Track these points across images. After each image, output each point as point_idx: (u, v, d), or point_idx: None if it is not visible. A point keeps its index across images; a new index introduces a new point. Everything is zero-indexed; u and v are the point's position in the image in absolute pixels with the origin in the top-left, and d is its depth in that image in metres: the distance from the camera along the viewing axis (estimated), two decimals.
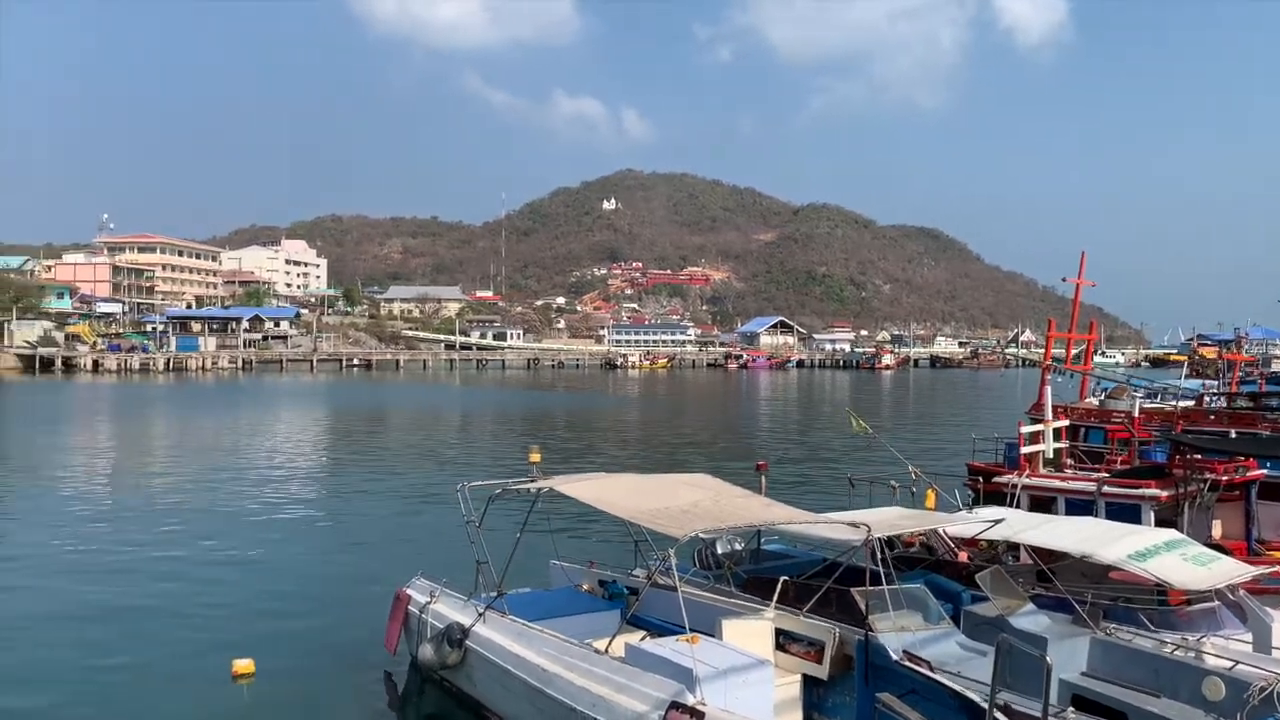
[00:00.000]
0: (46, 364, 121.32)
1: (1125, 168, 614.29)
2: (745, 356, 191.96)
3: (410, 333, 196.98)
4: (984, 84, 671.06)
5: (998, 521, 12.43)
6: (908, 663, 9.31)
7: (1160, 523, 14.91)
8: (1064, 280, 28.60)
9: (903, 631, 9.89)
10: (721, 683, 8.76)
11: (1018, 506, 16.17)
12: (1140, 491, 15.92)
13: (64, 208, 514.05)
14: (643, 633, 10.79)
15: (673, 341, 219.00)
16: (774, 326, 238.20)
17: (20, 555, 20.42)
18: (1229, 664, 9.55)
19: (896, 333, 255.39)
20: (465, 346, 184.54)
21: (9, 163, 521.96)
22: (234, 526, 23.74)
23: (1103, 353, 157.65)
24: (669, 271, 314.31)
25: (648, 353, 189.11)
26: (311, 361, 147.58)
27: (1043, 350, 26.97)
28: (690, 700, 8.54)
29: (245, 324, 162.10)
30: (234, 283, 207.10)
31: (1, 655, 13.95)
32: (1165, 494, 15.73)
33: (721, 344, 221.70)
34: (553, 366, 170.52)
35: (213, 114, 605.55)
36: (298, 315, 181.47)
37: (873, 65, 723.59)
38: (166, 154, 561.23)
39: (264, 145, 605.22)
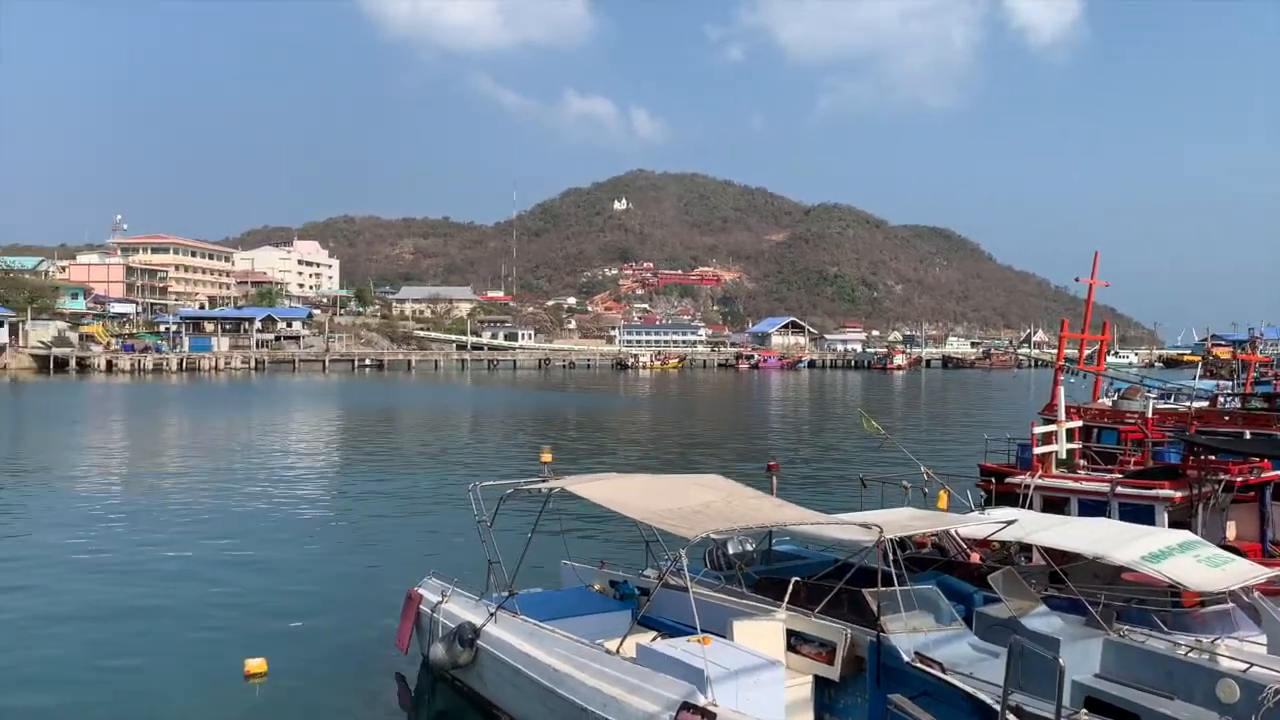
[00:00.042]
0: (61, 364, 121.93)
1: (1139, 167, 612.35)
2: (756, 357, 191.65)
3: (422, 333, 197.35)
4: (996, 84, 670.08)
5: (1010, 522, 12.38)
6: (919, 664, 9.28)
7: (1174, 524, 14.84)
8: (1077, 280, 28.46)
9: (915, 633, 9.85)
10: (733, 683, 8.75)
11: (1030, 507, 16.11)
12: (1154, 492, 15.84)
13: (78, 209, 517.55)
14: (654, 633, 10.79)
15: (684, 342, 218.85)
16: (785, 327, 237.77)
17: (35, 555, 20.53)
18: (1243, 666, 9.50)
19: (908, 333, 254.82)
20: (477, 347, 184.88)
21: (24, 164, 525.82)
22: (246, 526, 23.82)
23: (1116, 353, 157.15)
24: (680, 272, 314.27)
25: (659, 353, 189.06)
26: (324, 362, 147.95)
27: (1055, 351, 26.87)
28: (701, 701, 8.53)
29: (258, 324, 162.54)
30: (247, 283, 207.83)
31: (16, 654, 14.03)
32: (1179, 495, 15.65)
33: (733, 344, 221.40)
34: (564, 367, 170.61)
35: (226, 116, 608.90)
36: (310, 316, 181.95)
37: (884, 65, 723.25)
38: (180, 155, 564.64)
39: (277, 146, 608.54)
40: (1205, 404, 28.13)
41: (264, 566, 19.57)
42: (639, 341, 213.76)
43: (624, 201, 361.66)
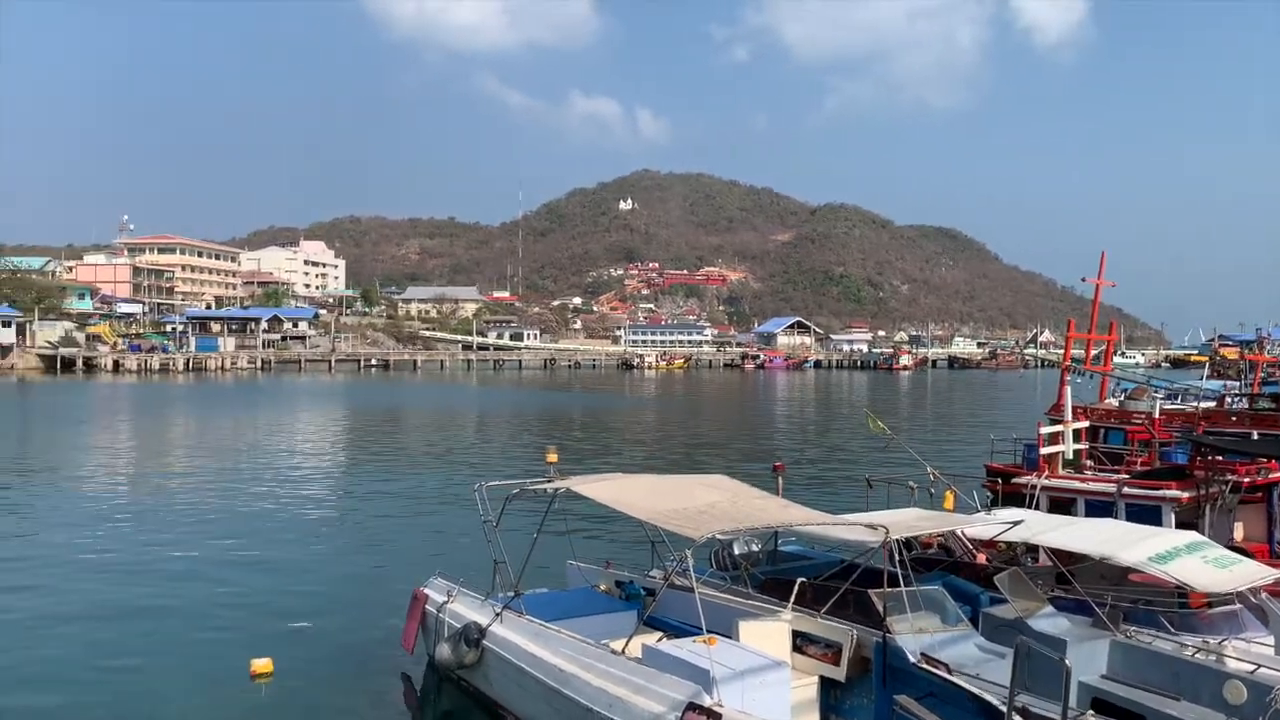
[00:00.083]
0: (68, 364, 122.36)
1: (1145, 167, 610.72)
2: (762, 357, 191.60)
3: (428, 333, 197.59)
4: (1002, 83, 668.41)
5: (1016, 523, 12.35)
6: (926, 665, 9.26)
7: (1181, 524, 14.81)
8: (1083, 280, 28.47)
9: (921, 633, 9.84)
10: (738, 684, 8.74)
11: (1037, 508, 16.09)
12: (1161, 493, 15.81)
13: (85, 209, 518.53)
14: (659, 634, 10.78)
15: (689, 342, 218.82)
16: (791, 327, 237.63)
17: (41, 555, 20.59)
18: (1251, 667, 9.46)
19: (914, 333, 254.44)
20: (482, 347, 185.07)
21: (31, 165, 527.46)
22: (252, 526, 23.86)
23: (1123, 353, 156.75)
24: (685, 272, 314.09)
25: (664, 353, 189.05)
26: (330, 362, 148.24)
27: (1062, 351, 26.86)
28: (707, 701, 8.52)
29: (264, 324, 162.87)
30: (253, 283, 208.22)
31: (23, 653, 14.06)
32: (1186, 495, 15.62)
33: (738, 344, 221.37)
34: (569, 367, 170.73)
35: (232, 116, 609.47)
36: (316, 316, 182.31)
37: (890, 65, 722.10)
38: (186, 156, 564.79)
39: (283, 147, 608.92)
40: (1212, 404, 28.05)
41: (270, 566, 19.60)
42: (644, 341, 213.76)
43: (629, 201, 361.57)
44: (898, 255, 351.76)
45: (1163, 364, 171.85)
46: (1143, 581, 11.52)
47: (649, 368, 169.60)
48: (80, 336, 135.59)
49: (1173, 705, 9.16)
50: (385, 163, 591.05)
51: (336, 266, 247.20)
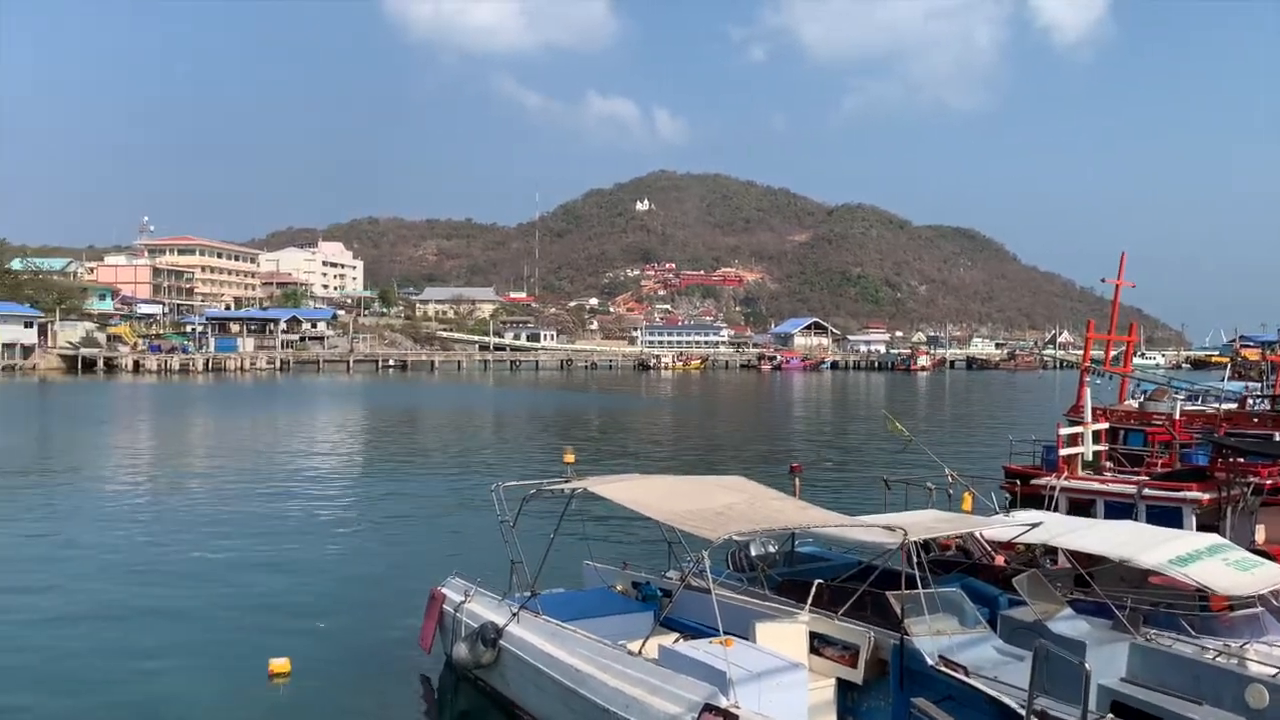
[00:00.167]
0: (89, 364, 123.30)
1: (1165, 165, 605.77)
2: (779, 358, 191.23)
3: (445, 334, 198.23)
4: (1021, 83, 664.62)
5: (1035, 525, 12.29)
6: (944, 668, 9.22)
7: (1202, 527, 14.71)
8: (1103, 281, 28.35)
9: (939, 636, 9.79)
10: (755, 686, 8.73)
11: (1056, 509, 16.01)
12: (1181, 495, 15.70)
13: (105, 211, 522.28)
14: (676, 635, 10.78)
15: (706, 343, 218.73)
16: (808, 328, 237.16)
17: (62, 555, 20.74)
18: (1273, 671, 9.39)
19: (932, 334, 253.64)
20: (499, 347, 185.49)
21: (52, 166, 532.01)
22: (270, 526, 23.97)
23: (1142, 354, 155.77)
24: (702, 272, 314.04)
25: (681, 354, 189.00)
26: (348, 362, 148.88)
27: (1081, 352, 26.71)
28: (724, 703, 8.50)
29: (283, 325, 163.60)
30: (272, 284, 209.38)
31: (41, 653, 14.15)
32: (1207, 497, 15.51)
33: (755, 345, 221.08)
34: (586, 367, 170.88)
35: (251, 118, 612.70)
36: (334, 316, 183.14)
37: (908, 65, 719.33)
38: (205, 157, 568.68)
39: (300, 148, 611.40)
40: (1234, 406, 27.83)
41: (287, 566, 19.68)
42: (661, 342, 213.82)
43: (646, 202, 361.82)
44: (915, 255, 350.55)
45: (1183, 365, 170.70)
46: (1163, 584, 11.44)
47: (665, 368, 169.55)
48: (101, 337, 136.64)
49: (1193, 709, 9.09)
50: (403, 164, 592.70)
51: (354, 267, 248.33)
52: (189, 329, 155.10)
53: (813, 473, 30.84)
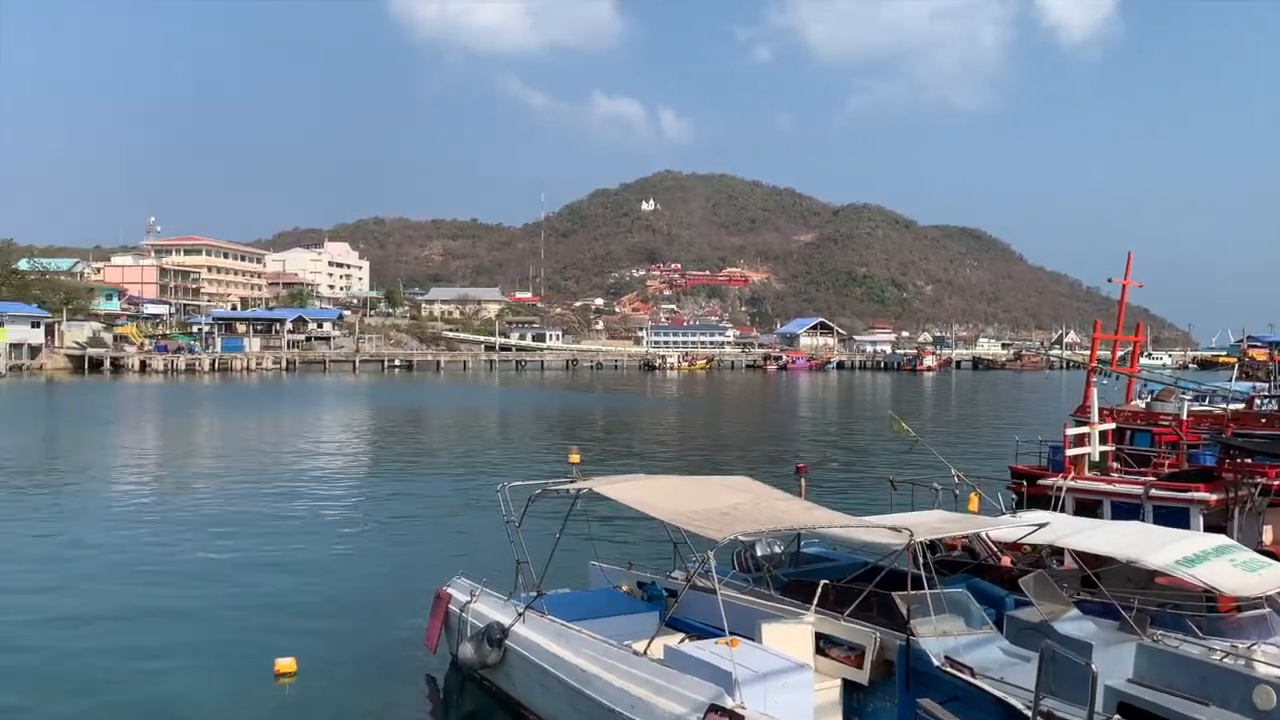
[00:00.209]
0: (95, 364, 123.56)
1: (1176, 165, 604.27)
2: (785, 358, 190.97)
3: (451, 334, 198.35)
4: (1027, 83, 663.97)
5: (1042, 525, 12.27)
6: (950, 668, 9.21)
7: (1209, 527, 14.67)
8: (1110, 281, 28.24)
9: (945, 636, 9.77)
10: (761, 686, 8.72)
11: (1063, 510, 15.99)
12: (1189, 495, 15.66)
13: (112, 211, 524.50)
14: (682, 635, 10.78)
15: (711, 343, 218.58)
16: (814, 328, 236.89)
17: (68, 555, 20.79)
18: None
19: (938, 334, 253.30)
20: (505, 347, 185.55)
21: (59, 166, 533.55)
22: (276, 526, 24.01)
23: (1149, 355, 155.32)
24: (708, 272, 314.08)
25: (686, 354, 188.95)
26: (354, 362, 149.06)
27: (1088, 352, 26.63)
28: (729, 703, 8.50)
29: (289, 325, 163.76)
30: (278, 284, 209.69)
31: (48, 654, 14.18)
32: (1214, 498, 15.46)
33: (760, 345, 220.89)
34: (591, 368, 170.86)
35: (256, 119, 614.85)
36: (340, 317, 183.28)
37: (913, 65, 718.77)
38: (211, 158, 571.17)
39: (306, 149, 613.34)
40: (1241, 406, 27.73)
41: (293, 566, 19.70)
42: (666, 342, 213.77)
43: (652, 202, 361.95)
44: (921, 256, 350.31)
45: (1190, 365, 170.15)
46: (1170, 585, 11.41)
47: (671, 369, 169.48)
48: (108, 337, 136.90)
49: (1201, 710, 9.07)
50: (408, 164, 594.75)
51: (360, 268, 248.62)
52: (195, 329, 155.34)
53: (818, 473, 30.80)
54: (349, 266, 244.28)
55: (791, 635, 10.30)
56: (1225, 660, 9.79)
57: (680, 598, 11.53)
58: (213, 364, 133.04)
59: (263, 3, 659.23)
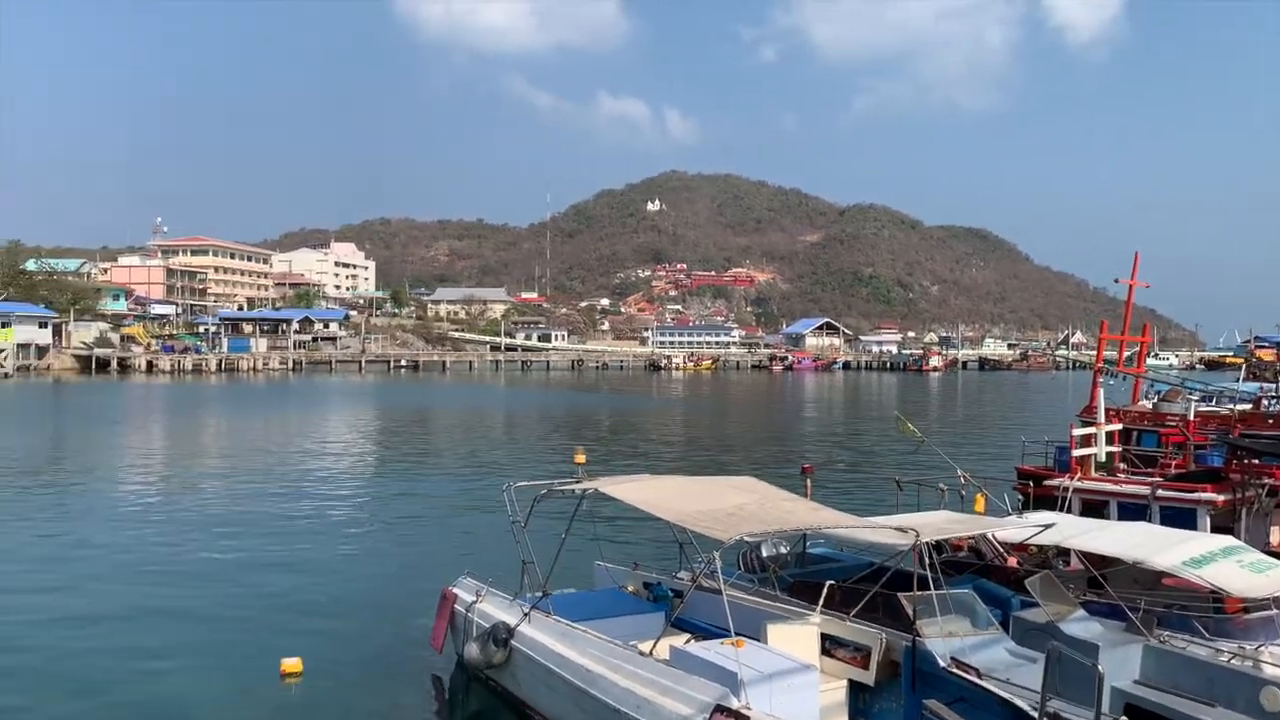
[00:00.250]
0: (103, 364, 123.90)
1: (1183, 164, 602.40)
2: (790, 358, 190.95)
3: (457, 334, 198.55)
4: (1034, 82, 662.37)
5: (1048, 526, 12.25)
6: (955, 669, 9.19)
7: (1216, 528, 14.62)
8: (1117, 281, 28.24)
9: (951, 637, 9.76)
10: (766, 687, 8.71)
11: (1069, 511, 15.95)
12: (1196, 496, 15.61)
13: (119, 212, 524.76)
14: (687, 635, 10.77)
15: (717, 343, 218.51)
16: (820, 328, 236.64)
17: (73, 555, 20.84)
18: None
19: (944, 334, 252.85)
20: (510, 348, 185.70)
21: (66, 167, 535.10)
22: (282, 526, 24.05)
23: (1156, 355, 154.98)
24: (713, 273, 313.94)
25: (692, 354, 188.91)
26: (360, 363, 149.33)
27: (1094, 352, 26.58)
28: (735, 704, 8.49)
29: (295, 325, 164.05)
30: (284, 285, 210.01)
31: (53, 654, 14.21)
32: (1222, 499, 15.41)
33: (766, 345, 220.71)
34: (597, 368, 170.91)
35: (263, 119, 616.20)
36: (347, 317, 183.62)
37: (918, 65, 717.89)
38: (217, 158, 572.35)
39: (312, 149, 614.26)
40: (1248, 406, 27.67)
41: (299, 566, 19.74)
42: (672, 343, 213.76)
43: (657, 202, 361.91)
44: (927, 256, 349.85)
45: (1197, 366, 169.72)
46: (1177, 586, 11.38)
47: (676, 369, 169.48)
48: (115, 337, 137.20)
49: (1207, 712, 9.04)
50: (414, 165, 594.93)
51: (367, 268, 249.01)
52: (202, 329, 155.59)
53: (824, 473, 30.79)
54: (355, 267, 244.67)
55: (797, 636, 10.29)
56: (1232, 662, 9.77)
57: (686, 598, 11.52)
58: (219, 364, 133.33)
59: (266, 2, 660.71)
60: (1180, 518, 15.08)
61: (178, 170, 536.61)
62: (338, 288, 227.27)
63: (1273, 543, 15.58)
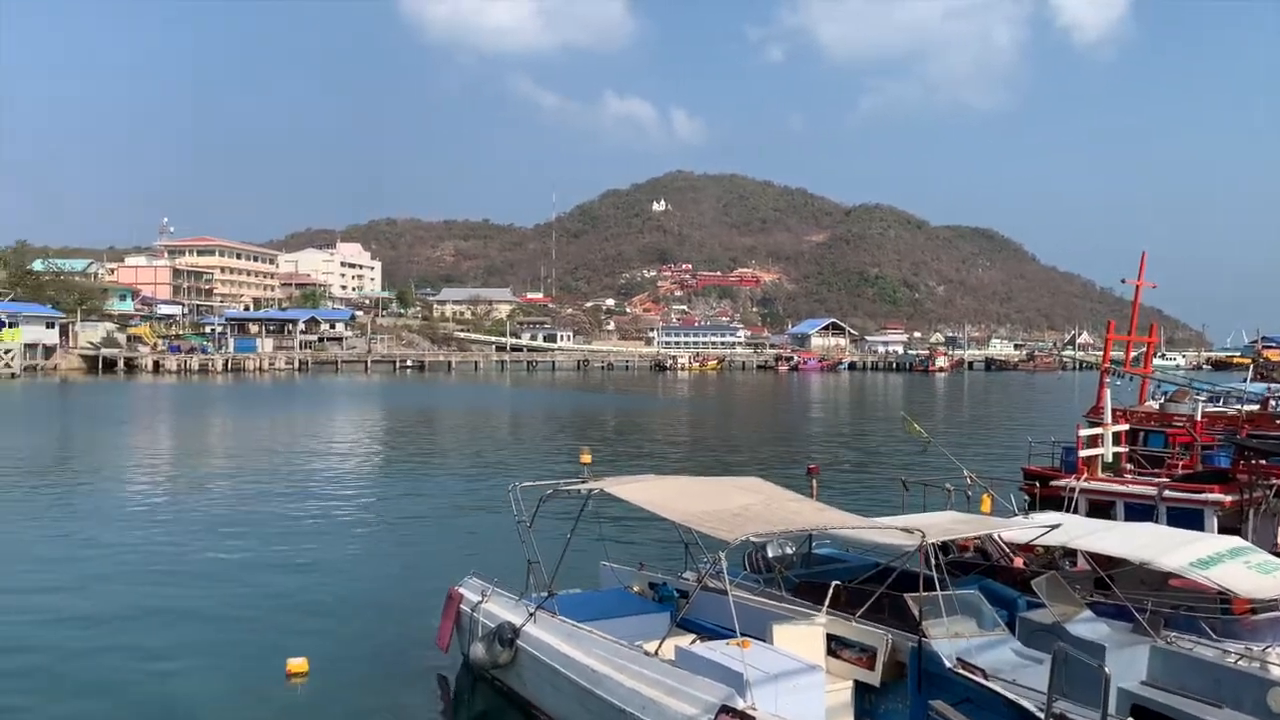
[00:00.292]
0: (109, 364, 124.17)
1: (1190, 164, 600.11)
2: (796, 358, 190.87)
3: (462, 334, 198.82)
4: (1040, 82, 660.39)
5: (1054, 527, 12.23)
6: (962, 670, 9.18)
7: (1223, 529, 14.57)
8: (1123, 282, 28.13)
9: (957, 638, 9.75)
10: (772, 687, 8.71)
11: (1076, 511, 15.90)
12: (1203, 496, 15.56)
13: (126, 212, 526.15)
14: (693, 636, 10.77)
15: (722, 343, 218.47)
16: (825, 328, 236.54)
17: (79, 555, 20.87)
18: None
19: (950, 335, 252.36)
20: (516, 348, 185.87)
21: (73, 168, 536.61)
22: (287, 527, 24.08)
23: (1163, 355, 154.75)
24: (719, 273, 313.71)
25: (697, 354, 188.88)
26: (366, 363, 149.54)
27: (1101, 353, 26.51)
28: (740, 704, 8.49)
29: (301, 326, 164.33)
30: (290, 285, 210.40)
31: (60, 655, 14.24)
32: (1229, 499, 15.36)
33: (772, 346, 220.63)
34: (602, 368, 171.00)
35: (269, 119, 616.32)
36: (353, 317, 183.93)
37: (925, 65, 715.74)
38: (224, 159, 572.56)
39: (318, 150, 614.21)
40: (1256, 407, 27.57)
41: (305, 566, 19.76)
42: (677, 343, 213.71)
43: (663, 203, 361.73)
44: (933, 256, 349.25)
45: (1204, 366, 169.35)
46: (1184, 587, 11.36)
47: (682, 369, 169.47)
48: (121, 337, 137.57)
49: (1214, 713, 9.02)
50: (420, 165, 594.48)
51: (372, 268, 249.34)
52: (208, 329, 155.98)
53: (830, 474, 30.75)
54: (361, 267, 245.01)
55: (803, 636, 10.28)
56: (1239, 663, 9.74)
57: (691, 598, 11.52)
58: (225, 364, 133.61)
59: (272, 3, 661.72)
60: (1187, 518, 15.04)
61: (184, 171, 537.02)
62: (343, 288, 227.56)
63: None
